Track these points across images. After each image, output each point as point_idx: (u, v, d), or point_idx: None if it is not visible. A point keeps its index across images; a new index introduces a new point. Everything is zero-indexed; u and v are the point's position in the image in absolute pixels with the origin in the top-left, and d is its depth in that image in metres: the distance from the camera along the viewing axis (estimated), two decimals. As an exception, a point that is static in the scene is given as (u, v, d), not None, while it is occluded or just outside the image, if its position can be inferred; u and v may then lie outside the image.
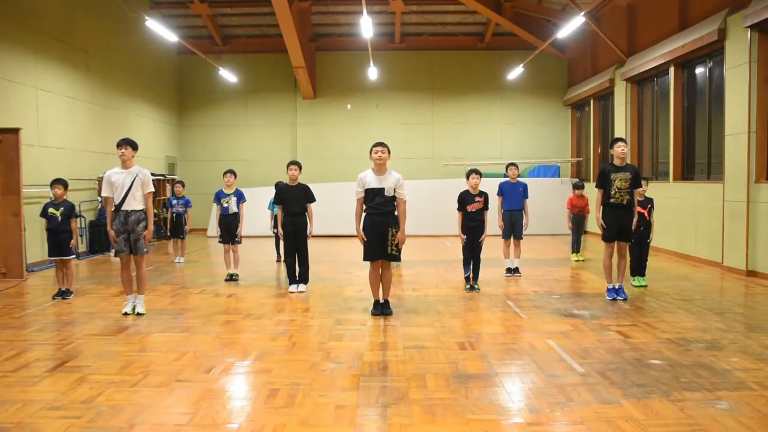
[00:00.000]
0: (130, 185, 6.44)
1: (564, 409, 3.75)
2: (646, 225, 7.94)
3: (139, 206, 6.53)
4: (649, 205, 7.98)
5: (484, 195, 7.82)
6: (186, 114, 18.22)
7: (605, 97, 15.27)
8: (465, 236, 7.85)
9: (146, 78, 15.86)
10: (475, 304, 7.10)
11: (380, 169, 6.29)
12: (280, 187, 8.11)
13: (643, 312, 6.46)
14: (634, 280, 8.00)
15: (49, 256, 7.73)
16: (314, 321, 6.19)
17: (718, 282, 8.50)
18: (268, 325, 6.03)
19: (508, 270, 9.00)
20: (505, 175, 9.49)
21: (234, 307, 6.99)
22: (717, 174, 10.18)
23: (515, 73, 16.46)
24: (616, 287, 7.12)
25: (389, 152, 6.38)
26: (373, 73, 16.38)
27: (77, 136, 12.21)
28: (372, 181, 6.28)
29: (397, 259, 6.41)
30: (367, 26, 12.01)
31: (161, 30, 12.05)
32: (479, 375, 4.41)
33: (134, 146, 6.62)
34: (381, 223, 6.24)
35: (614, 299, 7.01)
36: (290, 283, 7.91)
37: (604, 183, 7.04)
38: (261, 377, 4.44)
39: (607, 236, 7.11)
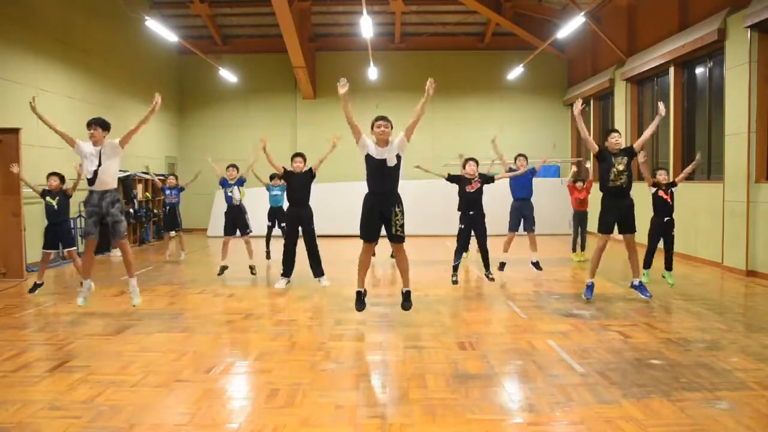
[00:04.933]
0: (99, 160, 6.34)
1: (564, 409, 3.75)
2: (670, 215, 7.80)
3: (112, 185, 6.44)
4: (671, 190, 7.86)
5: (483, 177, 8.05)
6: (186, 114, 18.22)
7: (605, 97, 15.27)
8: (463, 225, 8.10)
9: (146, 78, 15.84)
10: (475, 304, 7.10)
11: (383, 143, 5.98)
12: (287, 171, 8.09)
13: (643, 312, 6.46)
14: (666, 276, 7.88)
15: (45, 248, 7.78)
16: (314, 321, 6.19)
17: (718, 282, 8.49)
18: (268, 325, 6.03)
19: (502, 265, 8.76)
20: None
21: (234, 307, 6.98)
22: (717, 174, 10.18)
23: (515, 73, 16.46)
24: (636, 284, 7.02)
25: (392, 126, 5.98)
26: (373, 73, 16.37)
27: (77, 136, 12.02)
28: (373, 151, 5.96)
29: (402, 239, 6.05)
30: (367, 26, 12.01)
31: (161, 30, 12.05)
32: (479, 375, 4.41)
33: (104, 126, 6.48)
34: (383, 203, 5.97)
35: (589, 299, 6.89)
36: (283, 275, 7.92)
37: (603, 160, 6.96)
38: (261, 377, 4.44)
39: (603, 225, 6.95)
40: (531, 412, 3.72)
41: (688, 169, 8.22)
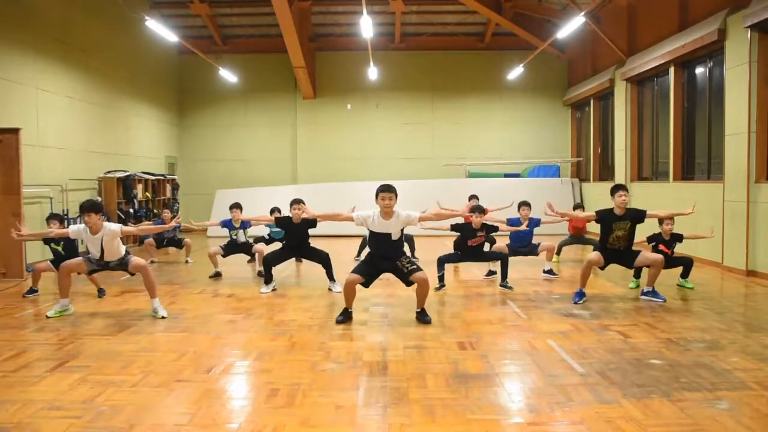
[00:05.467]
0: (101, 248, 6.38)
1: (564, 409, 3.75)
2: (668, 260, 7.50)
3: (117, 256, 6.49)
4: (675, 244, 7.65)
5: (486, 228, 7.79)
6: (186, 114, 18.22)
7: (605, 97, 15.27)
8: (459, 252, 7.98)
9: (146, 78, 15.86)
10: (475, 304, 7.10)
11: (388, 216, 5.94)
12: (282, 219, 8.06)
13: (643, 312, 6.45)
14: (685, 282, 7.79)
15: (51, 261, 7.63)
16: (314, 321, 6.19)
17: (718, 282, 8.49)
18: (268, 325, 6.03)
19: (490, 273, 8.65)
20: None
21: (234, 307, 6.98)
22: (717, 174, 10.18)
23: (515, 73, 16.46)
24: (648, 290, 6.95)
25: (397, 196, 5.88)
26: (373, 73, 16.37)
27: (77, 136, 12.22)
28: (378, 225, 5.92)
29: (418, 269, 5.94)
30: (367, 26, 12.00)
31: (161, 30, 12.05)
32: (479, 375, 4.41)
33: (98, 210, 6.38)
34: (386, 263, 6.01)
35: (576, 303, 6.83)
36: (266, 283, 7.88)
37: (603, 224, 6.86)
38: (261, 377, 4.44)
39: (601, 247, 6.92)
40: (531, 412, 3.72)
41: (696, 235, 8.12)
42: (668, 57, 11.11)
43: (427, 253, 11.97)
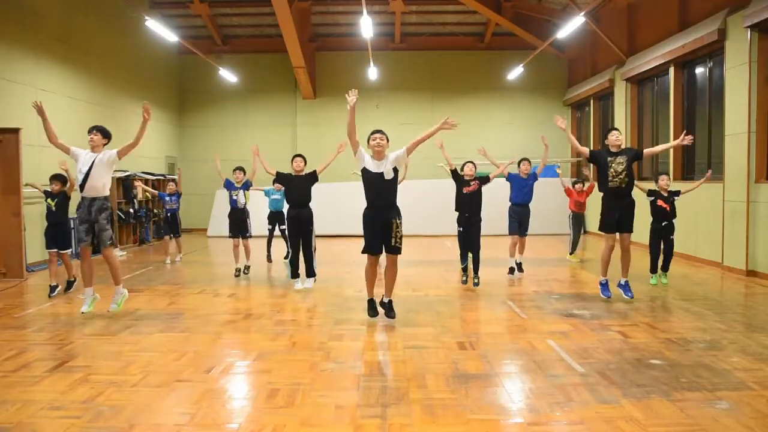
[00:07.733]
0: (90, 166, 6.25)
1: (564, 409, 3.75)
2: (669, 221, 7.73)
3: (102, 194, 6.37)
4: (673, 199, 7.75)
5: (479, 178, 7.97)
6: (186, 114, 18.22)
7: (605, 97, 15.27)
8: (461, 228, 8.02)
9: (146, 78, 15.85)
10: (475, 304, 7.10)
11: (379, 155, 6.04)
12: (283, 174, 7.99)
13: (643, 312, 6.46)
14: (659, 277, 7.89)
15: (47, 248, 7.89)
16: (314, 321, 6.19)
17: (718, 282, 8.49)
18: (268, 325, 6.03)
19: (511, 270, 8.92)
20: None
21: (234, 307, 6.99)
22: (717, 174, 10.17)
23: (515, 73, 16.46)
24: (622, 283, 7.04)
25: (388, 140, 6.08)
26: (373, 73, 16.37)
27: (77, 135, 12.12)
28: (370, 164, 6.02)
29: (399, 251, 6.06)
30: (367, 26, 12.01)
31: (161, 30, 12.05)
32: (479, 375, 4.41)
33: (104, 134, 6.47)
34: (383, 216, 5.97)
35: (609, 297, 6.94)
36: (293, 277, 7.95)
37: (597, 162, 6.92)
38: (261, 377, 4.44)
39: (606, 225, 6.92)
40: (531, 412, 3.72)
41: (699, 183, 8.25)
42: (668, 57, 11.11)
43: (427, 253, 11.98)
